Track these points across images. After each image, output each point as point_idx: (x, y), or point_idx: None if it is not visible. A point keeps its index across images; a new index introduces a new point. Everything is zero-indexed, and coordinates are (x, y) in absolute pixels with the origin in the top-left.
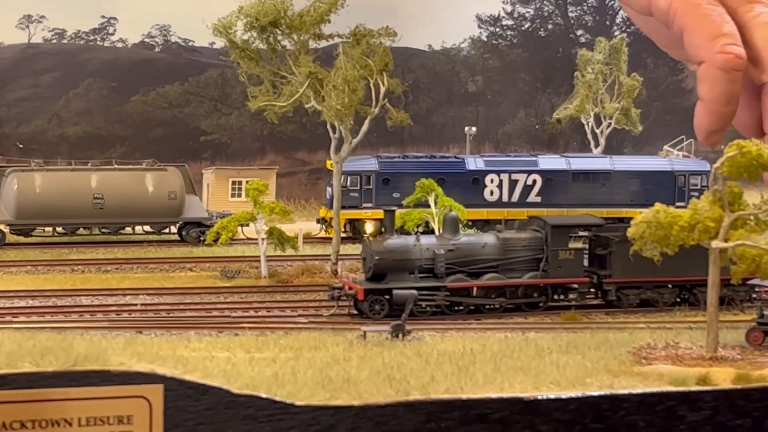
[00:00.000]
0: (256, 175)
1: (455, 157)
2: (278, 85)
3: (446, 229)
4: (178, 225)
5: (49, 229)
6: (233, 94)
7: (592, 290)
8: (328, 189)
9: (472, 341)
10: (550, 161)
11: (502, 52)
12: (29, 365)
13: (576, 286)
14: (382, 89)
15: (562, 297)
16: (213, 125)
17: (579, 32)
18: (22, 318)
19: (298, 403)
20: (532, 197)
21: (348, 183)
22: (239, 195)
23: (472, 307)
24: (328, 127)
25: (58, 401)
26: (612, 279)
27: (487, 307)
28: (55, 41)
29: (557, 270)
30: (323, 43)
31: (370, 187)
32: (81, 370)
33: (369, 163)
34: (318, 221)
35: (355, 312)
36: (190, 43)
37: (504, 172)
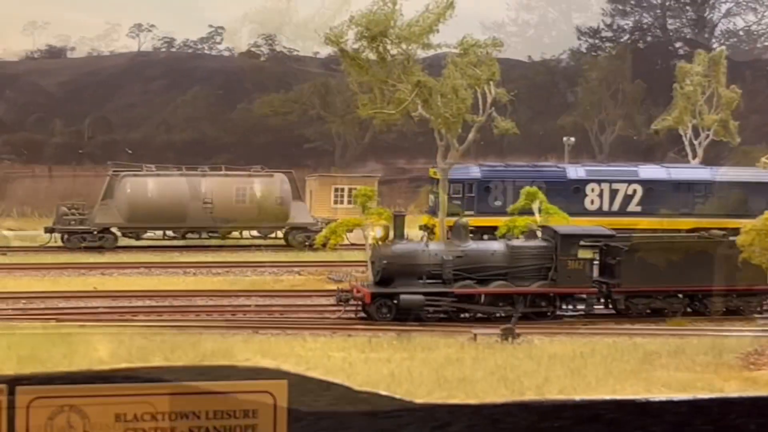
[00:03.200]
0: (359, 182)
1: (556, 166)
2: (387, 94)
3: (455, 235)
4: (284, 230)
5: (159, 232)
6: (336, 103)
7: (601, 300)
8: (431, 196)
9: (581, 345)
10: (651, 171)
11: (601, 63)
12: (160, 359)
13: (584, 295)
14: (489, 98)
15: (570, 306)
16: (316, 133)
17: (678, 44)
18: (141, 317)
19: (417, 400)
20: (633, 207)
21: (450, 191)
22: (341, 202)
23: (480, 315)
24: (435, 135)
25: (187, 394)
26: (621, 288)
27: (496, 315)
28: (164, 49)
29: (566, 279)
30: (431, 53)
31: (472, 194)
32: (209, 365)
33: (471, 171)
34: (421, 228)
35: (363, 315)
36: (295, 52)
37: (605, 181)
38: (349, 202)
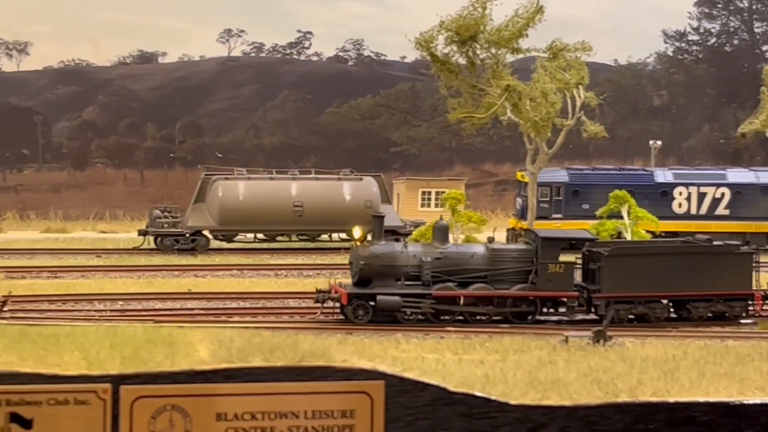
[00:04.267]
0: (446, 185)
1: (644, 170)
2: (476, 98)
3: (435, 237)
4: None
5: (250, 235)
6: (423, 107)
7: (582, 305)
8: (518, 200)
9: (673, 348)
10: (739, 175)
11: (688, 66)
12: (260, 360)
13: (565, 300)
14: (578, 102)
15: (551, 310)
16: (403, 137)
17: (765, 47)
18: (236, 318)
19: (512, 402)
20: (720, 210)
21: (538, 194)
22: (428, 205)
23: (459, 317)
24: (524, 138)
25: (287, 394)
26: (601, 294)
27: (477, 317)
28: (253, 54)
29: (546, 283)
30: (520, 57)
31: (560, 198)
32: (307, 365)
33: (559, 175)
34: (508, 231)
35: (341, 316)
36: (382, 57)
37: (692, 185)
38: (436, 205)
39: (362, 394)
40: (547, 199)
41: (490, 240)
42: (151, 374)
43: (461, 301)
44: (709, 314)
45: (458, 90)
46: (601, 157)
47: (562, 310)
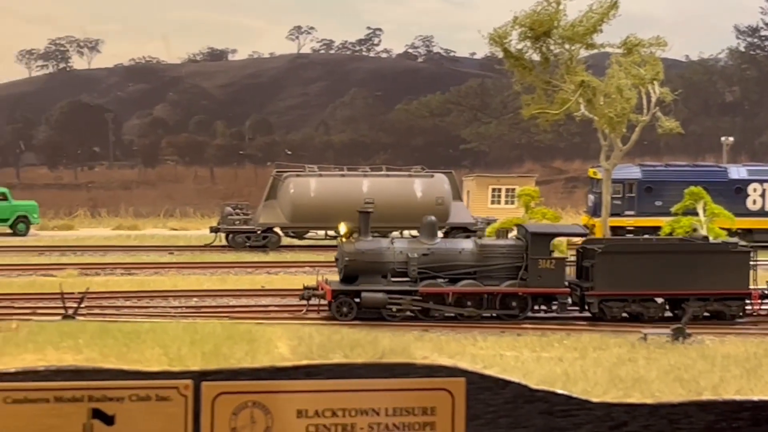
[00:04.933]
0: (516, 182)
1: (717, 166)
2: (550, 94)
3: (423, 232)
4: (444, 230)
5: (321, 232)
6: (492, 104)
7: (574, 302)
8: (590, 197)
9: (754, 345)
10: None
11: (761, 62)
12: (340, 357)
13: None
14: (653, 98)
15: (543, 308)
16: (472, 134)
17: None
18: (312, 315)
19: (594, 399)
20: None
21: (611, 191)
22: (498, 202)
23: (449, 314)
24: (599, 135)
25: (367, 391)
26: (594, 291)
27: (466, 314)
28: (322, 51)
29: (537, 279)
30: (594, 52)
31: (633, 195)
32: (388, 362)
33: (632, 172)
34: None
35: (328, 313)
36: (452, 53)
37: (767, 181)
38: (506, 202)
39: (443, 391)
40: (620, 195)
41: (480, 236)
42: (232, 370)
43: (450, 298)
44: (706, 314)
45: (532, 86)
46: (671, 153)
47: (553, 307)
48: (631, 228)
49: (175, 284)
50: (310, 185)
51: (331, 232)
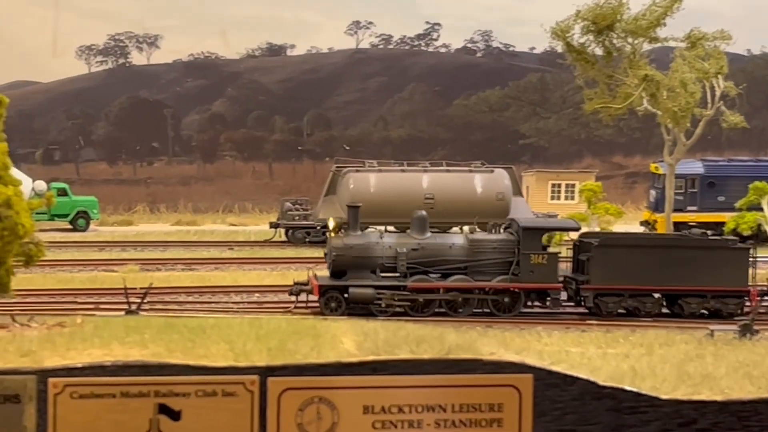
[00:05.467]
0: (576, 178)
1: None
2: (612, 88)
3: (413, 227)
4: (503, 225)
5: (381, 227)
6: (552, 98)
7: (570, 297)
8: (652, 192)
9: None
10: None
11: None
12: (406, 352)
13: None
14: (717, 92)
15: (537, 303)
16: (531, 129)
17: None
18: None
19: (663, 396)
20: None
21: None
22: (558, 197)
23: (440, 309)
24: (662, 129)
25: (434, 387)
26: (590, 285)
27: (459, 309)
28: (381, 46)
29: (528, 274)
30: (657, 46)
31: (695, 190)
32: (455, 358)
33: (694, 167)
34: (642, 224)
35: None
36: (511, 48)
37: None
38: (566, 198)
39: (510, 388)
40: (682, 191)
41: (472, 230)
42: (298, 366)
43: (441, 293)
44: (704, 311)
45: (594, 80)
46: (733, 148)
47: (547, 302)
48: (694, 224)
49: (236, 280)
50: (370, 181)
51: (390, 228)
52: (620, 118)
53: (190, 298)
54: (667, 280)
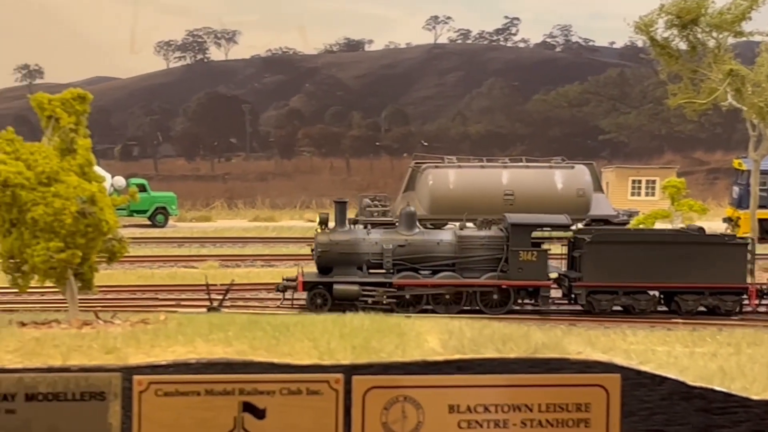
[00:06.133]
0: (656, 174)
1: None
2: (696, 83)
3: (401, 223)
4: (584, 222)
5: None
6: (632, 93)
7: (562, 294)
8: (734, 188)
9: None
10: None
11: None
12: (492, 351)
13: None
14: None
15: (527, 301)
16: (611, 124)
17: None
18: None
19: (754, 397)
20: None
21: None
22: (639, 194)
23: (427, 306)
24: (747, 125)
25: (520, 387)
26: (582, 283)
27: (447, 307)
28: (459, 41)
29: (517, 272)
30: (742, 40)
31: None
32: (542, 357)
33: None
34: (724, 221)
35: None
36: (590, 43)
37: None
38: (647, 194)
39: (598, 387)
40: (766, 187)
41: (461, 227)
42: (383, 364)
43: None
44: (703, 308)
45: (678, 75)
46: None
47: (538, 299)
48: None
49: None
50: (449, 177)
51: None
52: (703, 113)
53: (270, 295)
54: (661, 277)
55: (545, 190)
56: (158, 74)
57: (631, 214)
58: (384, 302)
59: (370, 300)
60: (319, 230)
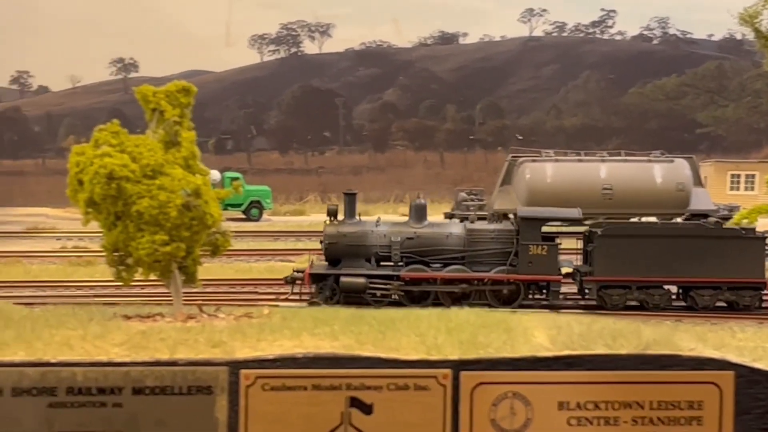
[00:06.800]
0: (756, 168)
1: None
2: None
3: (412, 216)
4: (684, 216)
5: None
6: (730, 86)
7: (578, 290)
8: None
9: None
10: None
11: None
12: (602, 347)
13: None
14: None
15: (537, 295)
16: (709, 117)
17: None
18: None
19: None
20: None
21: None
22: (738, 188)
23: (436, 300)
24: None
25: (631, 383)
26: (593, 277)
27: (455, 301)
28: (555, 34)
29: (527, 266)
30: None
31: None
32: (653, 353)
33: None
34: None
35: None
36: (688, 35)
37: None
38: (746, 189)
39: (710, 385)
40: None
41: (472, 220)
42: (491, 360)
43: (437, 283)
44: (722, 303)
45: None
46: None
47: (549, 294)
48: None
49: None
50: (547, 170)
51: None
52: None
53: None
54: (675, 272)
55: (644, 185)
56: (252, 67)
57: (732, 209)
58: (393, 297)
59: (379, 293)
60: (328, 222)
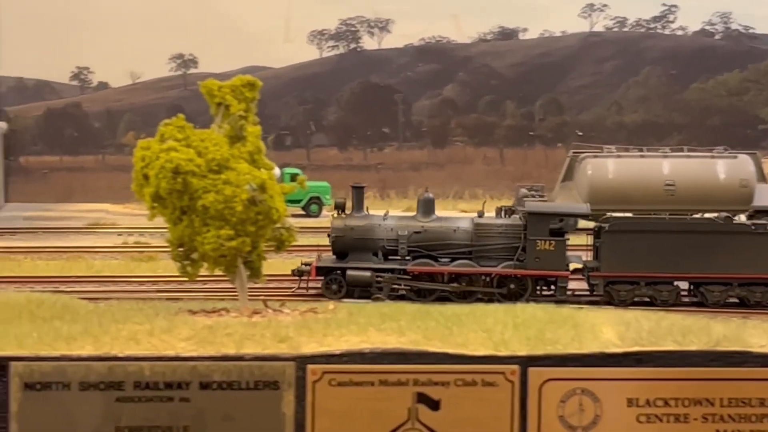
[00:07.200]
0: None
1: None
2: None
3: (419, 210)
4: (747, 213)
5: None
6: None
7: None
8: None
9: None
10: None
11: None
12: (671, 344)
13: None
14: None
15: (545, 290)
16: None
17: None
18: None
19: None
20: None
21: None
22: None
23: (442, 293)
24: None
25: (701, 380)
26: (600, 272)
27: (463, 296)
28: (616, 29)
29: (534, 261)
30: None
31: None
32: (723, 350)
33: None
34: None
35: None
36: (751, 30)
37: None
38: None
39: None
40: None
41: (480, 214)
42: (560, 356)
43: (444, 279)
44: (735, 299)
45: None
46: None
47: (556, 290)
48: None
49: None
50: (608, 167)
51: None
52: None
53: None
54: (686, 267)
55: (707, 181)
56: (311, 63)
57: None
58: (400, 291)
59: (384, 288)
60: (335, 215)
